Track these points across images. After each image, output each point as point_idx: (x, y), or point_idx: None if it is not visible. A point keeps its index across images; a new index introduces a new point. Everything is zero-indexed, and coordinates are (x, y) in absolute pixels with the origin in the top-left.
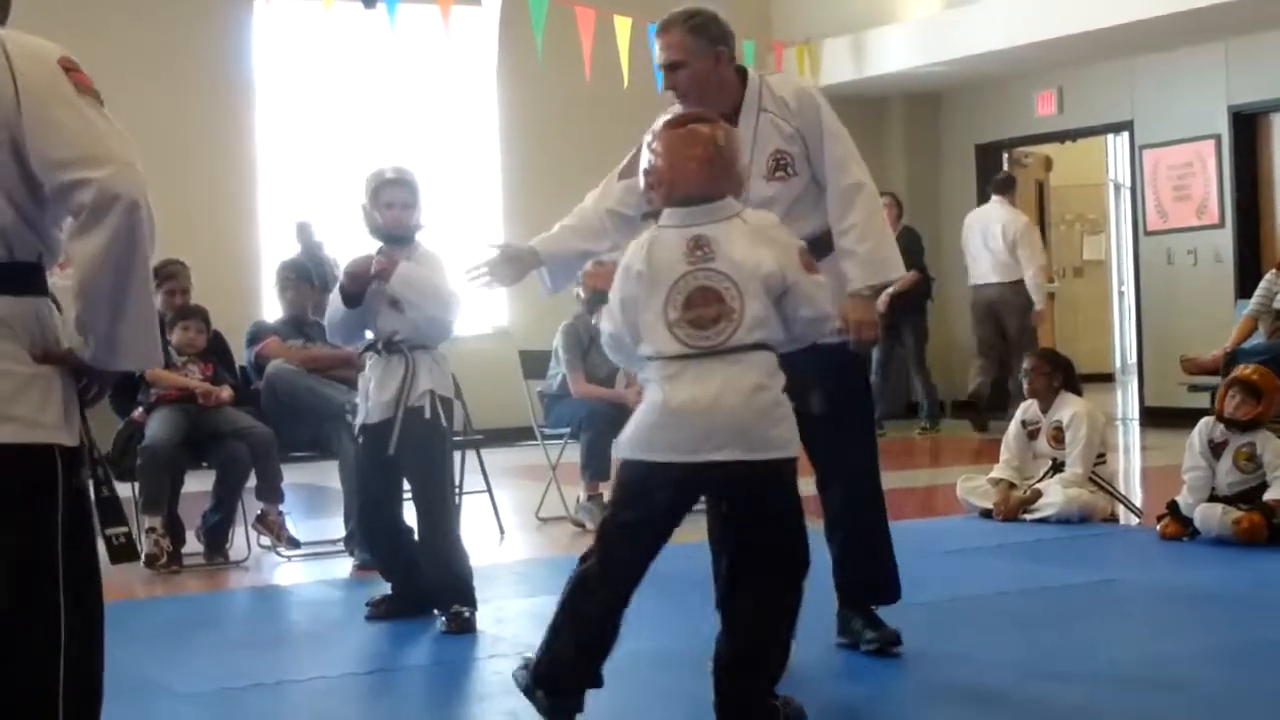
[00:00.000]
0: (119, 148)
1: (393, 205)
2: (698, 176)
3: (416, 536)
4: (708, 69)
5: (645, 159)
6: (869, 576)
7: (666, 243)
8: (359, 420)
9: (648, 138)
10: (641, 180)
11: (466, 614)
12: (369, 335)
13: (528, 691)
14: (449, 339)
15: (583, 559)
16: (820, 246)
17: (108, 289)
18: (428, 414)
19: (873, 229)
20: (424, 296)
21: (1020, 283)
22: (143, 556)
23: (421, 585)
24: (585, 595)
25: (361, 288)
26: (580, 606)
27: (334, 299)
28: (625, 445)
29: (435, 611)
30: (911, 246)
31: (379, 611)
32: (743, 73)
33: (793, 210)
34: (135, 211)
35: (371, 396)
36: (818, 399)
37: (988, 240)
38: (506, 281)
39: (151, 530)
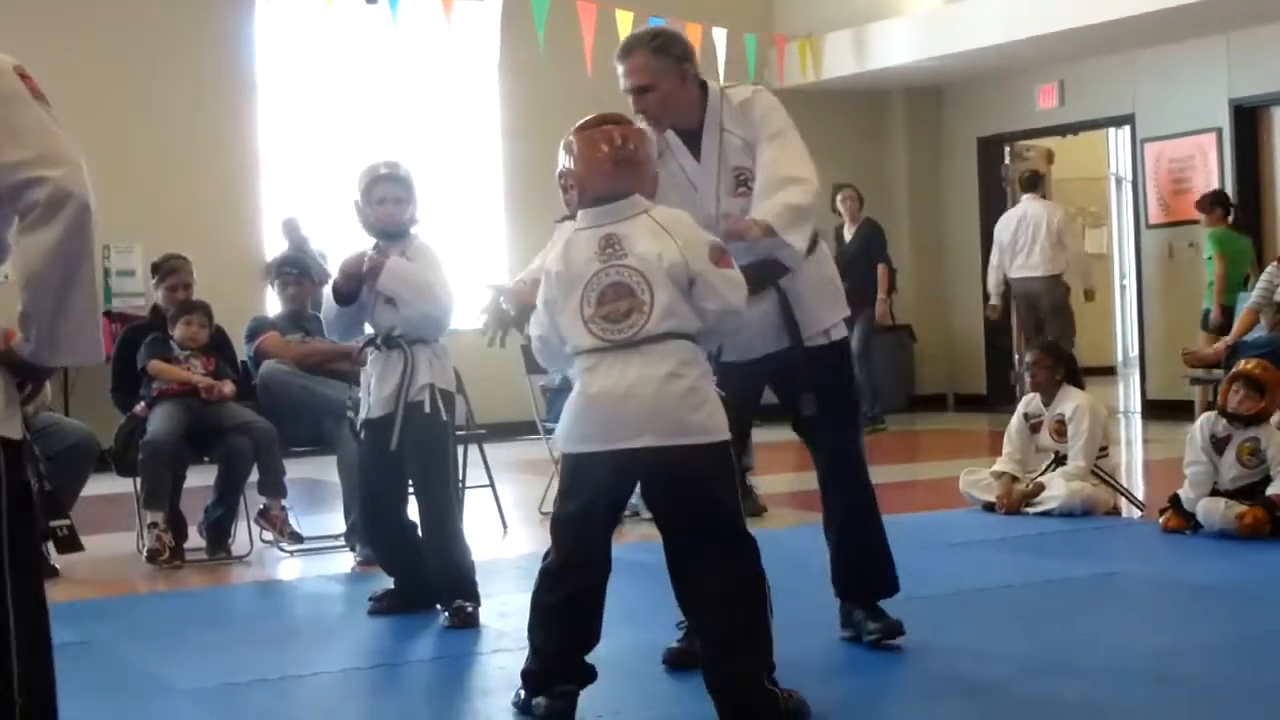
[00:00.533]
0: (71, 150)
1: (385, 201)
2: (607, 176)
3: (420, 531)
4: (675, 89)
5: (561, 162)
6: (867, 572)
7: (580, 244)
8: (361, 415)
9: (564, 142)
10: (560, 183)
11: (469, 609)
12: (369, 330)
13: (523, 705)
14: (444, 333)
15: (545, 556)
16: (775, 267)
17: (54, 284)
18: (428, 408)
19: (790, 210)
20: (417, 293)
21: (1059, 275)
22: (145, 551)
23: (424, 580)
24: (548, 590)
25: (355, 286)
26: (545, 601)
27: (328, 296)
28: (557, 438)
29: (438, 606)
30: (874, 239)
31: (381, 607)
32: (704, 87)
33: None
34: (85, 213)
35: (373, 392)
36: (809, 401)
37: (1036, 235)
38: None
39: (153, 525)
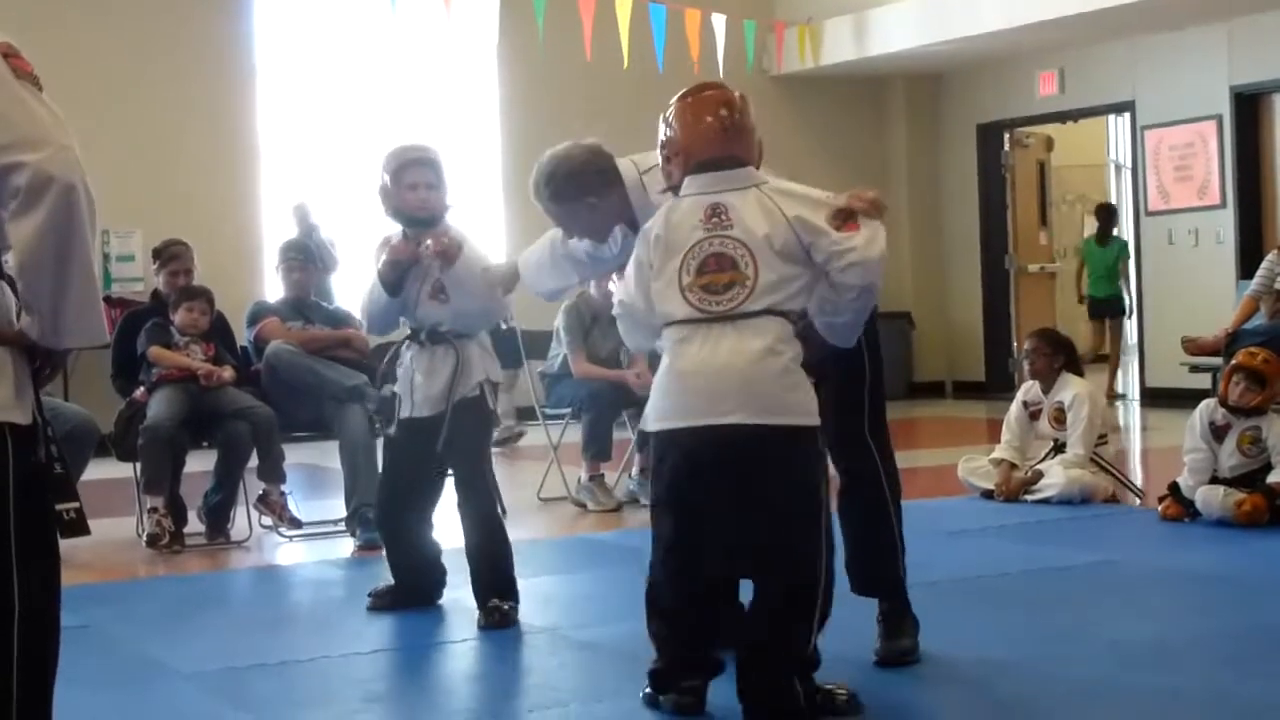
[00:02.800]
0: (56, 132)
1: (416, 186)
2: (713, 141)
3: (467, 527)
4: (589, 221)
5: (661, 133)
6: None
7: (684, 210)
8: (400, 413)
9: (663, 113)
10: (659, 155)
11: (506, 608)
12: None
13: (653, 701)
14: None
15: (652, 544)
16: None
17: (48, 270)
18: (481, 404)
19: None
20: (478, 283)
21: None
22: (145, 536)
23: (433, 581)
24: (653, 581)
25: (402, 273)
26: (655, 595)
27: (373, 287)
28: (648, 417)
29: (466, 604)
30: None
31: (382, 603)
32: (618, 181)
33: None
34: (71, 194)
35: (418, 390)
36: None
37: None
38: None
39: (153, 510)
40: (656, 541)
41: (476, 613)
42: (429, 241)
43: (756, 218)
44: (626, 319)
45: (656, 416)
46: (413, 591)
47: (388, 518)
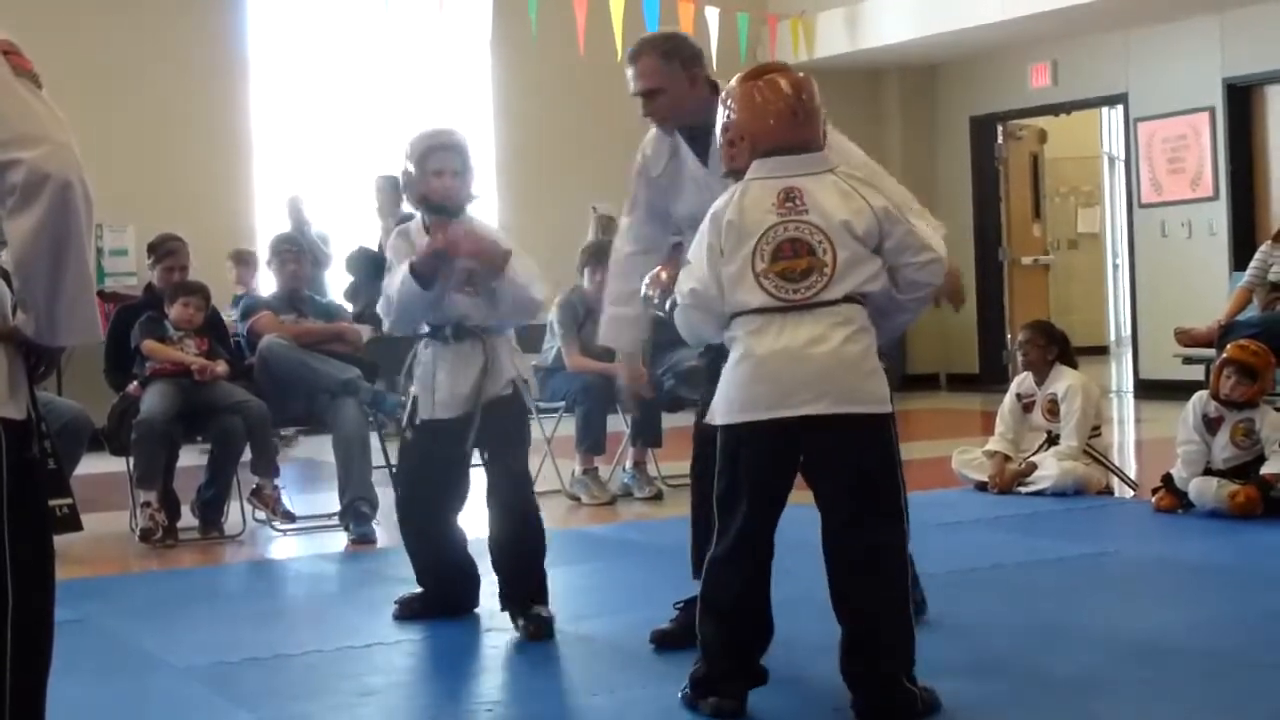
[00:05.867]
0: (53, 129)
1: (443, 173)
2: (779, 127)
3: (498, 531)
4: (683, 93)
5: (721, 116)
6: None
7: (756, 194)
8: (422, 415)
9: (723, 95)
10: (719, 138)
11: (545, 614)
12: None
13: (691, 704)
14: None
15: (714, 543)
16: None
17: (44, 268)
18: (516, 401)
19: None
20: (531, 276)
21: None
22: (138, 531)
23: (466, 589)
24: (714, 579)
25: (439, 266)
26: (711, 593)
27: (402, 280)
28: (717, 410)
29: (505, 612)
30: None
31: (409, 611)
32: (715, 88)
33: None
34: (68, 191)
35: (441, 388)
36: None
37: None
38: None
39: (146, 505)
40: (724, 535)
41: (507, 617)
42: (440, 234)
43: (835, 203)
44: (697, 309)
45: (731, 409)
46: (444, 600)
47: (411, 523)
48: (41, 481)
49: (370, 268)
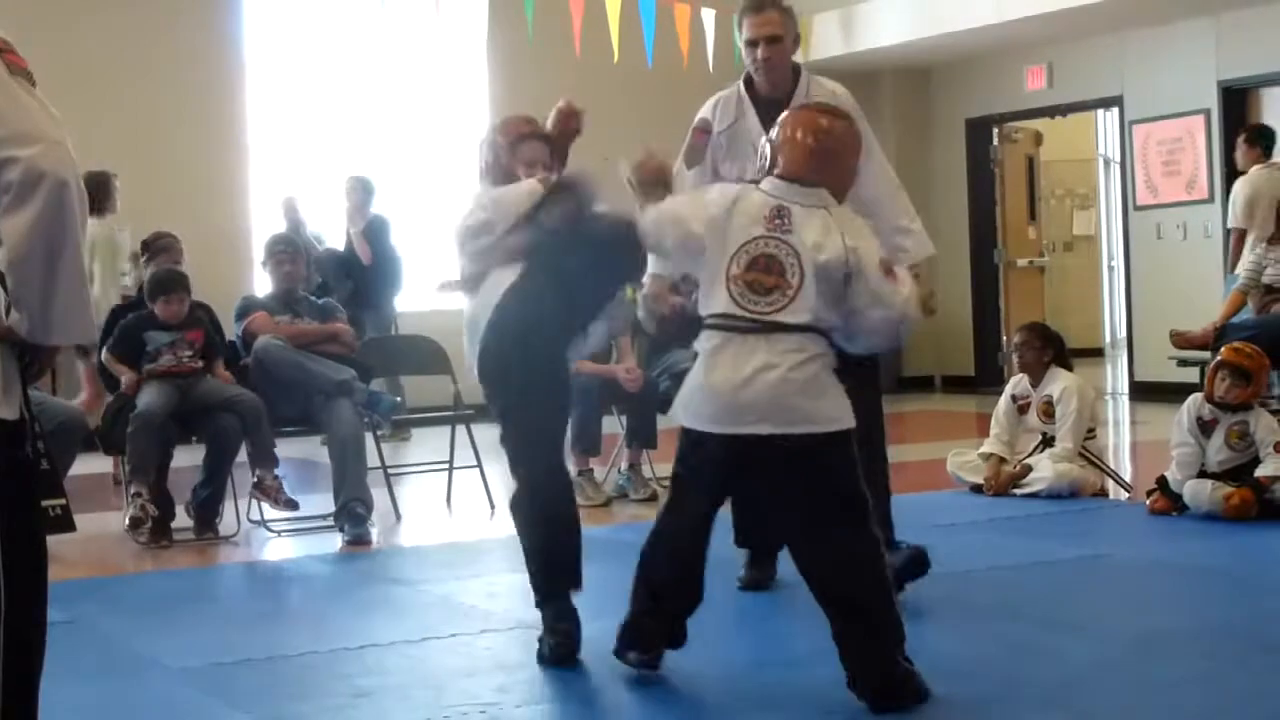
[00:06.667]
0: (48, 127)
1: (535, 164)
2: (802, 161)
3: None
4: (790, 49)
5: (773, 132)
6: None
7: (751, 202)
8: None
9: (782, 116)
10: (766, 151)
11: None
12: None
13: (618, 653)
14: None
15: (658, 516)
16: None
17: (38, 267)
18: None
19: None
20: None
21: None
22: (127, 520)
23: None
24: (651, 552)
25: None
26: (648, 565)
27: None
28: (678, 411)
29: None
30: None
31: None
32: (796, 67)
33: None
34: (63, 189)
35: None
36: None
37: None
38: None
39: (138, 494)
40: (670, 514)
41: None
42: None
43: (815, 232)
44: (663, 223)
45: (688, 414)
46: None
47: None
48: (34, 482)
49: (339, 269)
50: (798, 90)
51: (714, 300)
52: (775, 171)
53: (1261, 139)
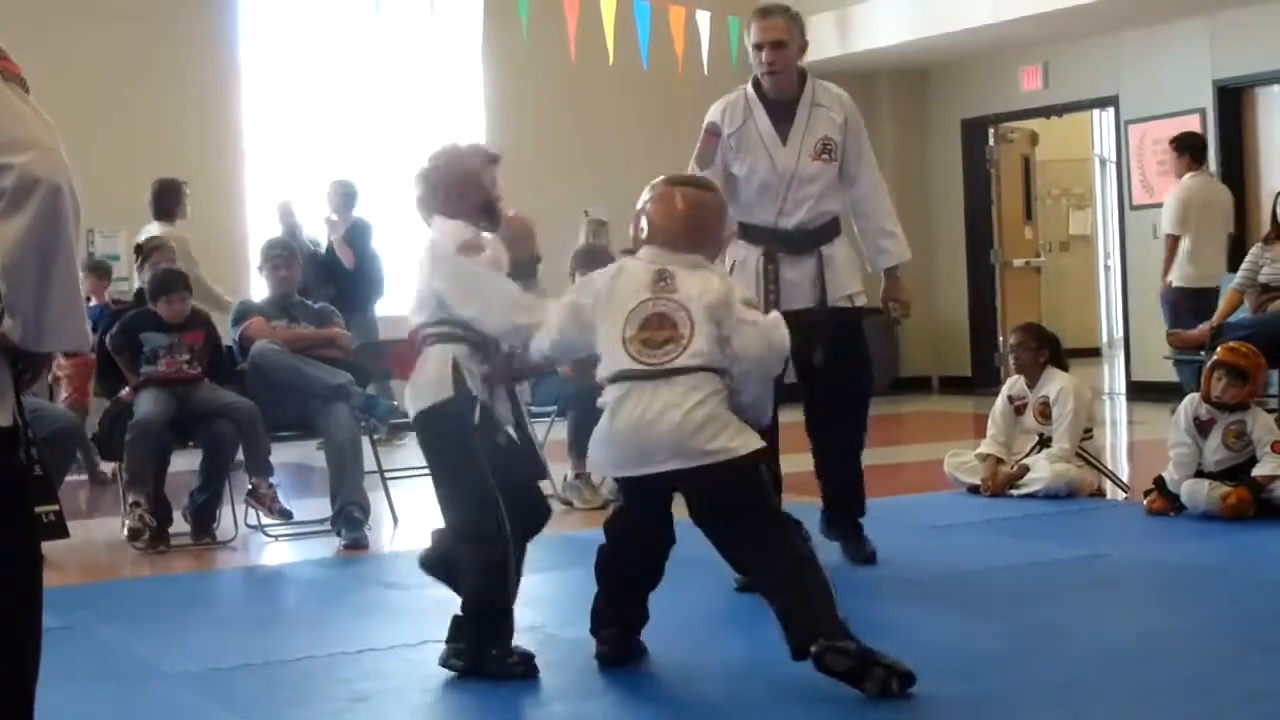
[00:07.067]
0: (42, 134)
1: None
2: (681, 232)
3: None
4: (796, 55)
5: (642, 201)
6: (855, 501)
7: (634, 272)
8: None
9: (649, 188)
10: (632, 222)
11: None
12: None
13: (593, 630)
14: None
15: (606, 524)
16: (833, 229)
17: (31, 272)
18: None
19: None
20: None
21: None
22: (126, 530)
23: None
24: (609, 555)
25: None
26: (604, 566)
27: None
28: (592, 462)
29: None
30: None
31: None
32: (802, 71)
33: (827, 190)
34: (57, 196)
35: None
36: (819, 353)
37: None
38: None
39: (136, 504)
40: (619, 520)
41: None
42: None
43: (697, 285)
44: (561, 345)
45: (605, 464)
46: None
47: None
48: (28, 488)
49: (320, 273)
50: (804, 94)
51: (613, 362)
52: (656, 241)
53: (1189, 147)
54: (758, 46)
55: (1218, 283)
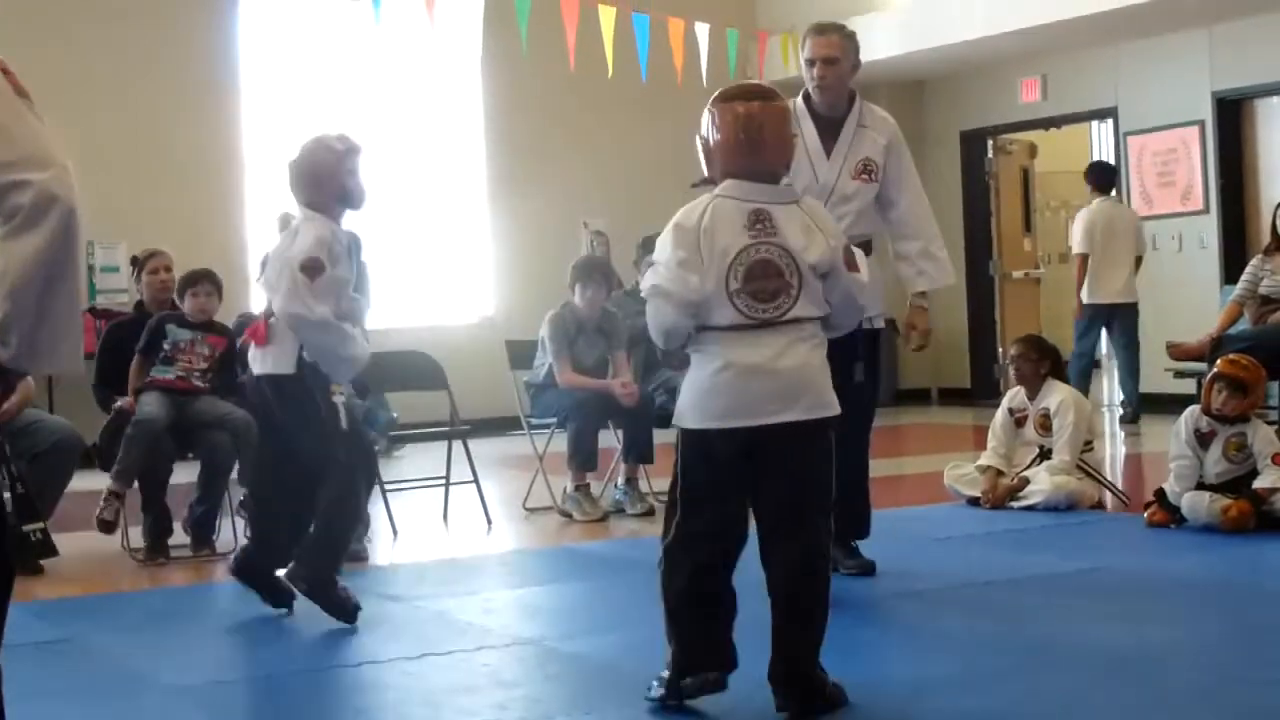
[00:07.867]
0: (57, 152)
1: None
2: (751, 151)
3: None
4: (847, 73)
5: (702, 128)
6: (853, 515)
7: (726, 212)
8: None
9: (707, 108)
10: (699, 148)
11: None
12: None
13: (669, 693)
14: None
15: (662, 538)
16: (867, 248)
17: (37, 291)
18: None
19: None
20: None
21: None
22: (97, 520)
23: None
24: (671, 571)
25: None
26: (669, 583)
27: None
28: (686, 415)
29: None
30: None
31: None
32: (851, 91)
33: (864, 210)
34: (71, 217)
35: None
36: (860, 369)
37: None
38: None
39: (114, 496)
40: (682, 531)
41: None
42: None
43: (798, 233)
44: (666, 299)
45: (706, 416)
46: None
47: None
48: (3, 503)
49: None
50: (851, 112)
51: (719, 315)
52: (734, 170)
53: (1098, 174)
54: (810, 61)
55: (1122, 299)
